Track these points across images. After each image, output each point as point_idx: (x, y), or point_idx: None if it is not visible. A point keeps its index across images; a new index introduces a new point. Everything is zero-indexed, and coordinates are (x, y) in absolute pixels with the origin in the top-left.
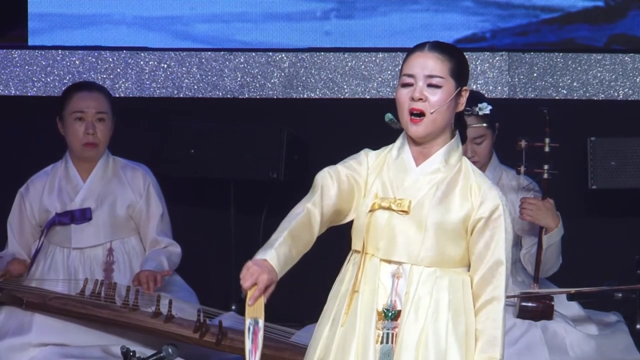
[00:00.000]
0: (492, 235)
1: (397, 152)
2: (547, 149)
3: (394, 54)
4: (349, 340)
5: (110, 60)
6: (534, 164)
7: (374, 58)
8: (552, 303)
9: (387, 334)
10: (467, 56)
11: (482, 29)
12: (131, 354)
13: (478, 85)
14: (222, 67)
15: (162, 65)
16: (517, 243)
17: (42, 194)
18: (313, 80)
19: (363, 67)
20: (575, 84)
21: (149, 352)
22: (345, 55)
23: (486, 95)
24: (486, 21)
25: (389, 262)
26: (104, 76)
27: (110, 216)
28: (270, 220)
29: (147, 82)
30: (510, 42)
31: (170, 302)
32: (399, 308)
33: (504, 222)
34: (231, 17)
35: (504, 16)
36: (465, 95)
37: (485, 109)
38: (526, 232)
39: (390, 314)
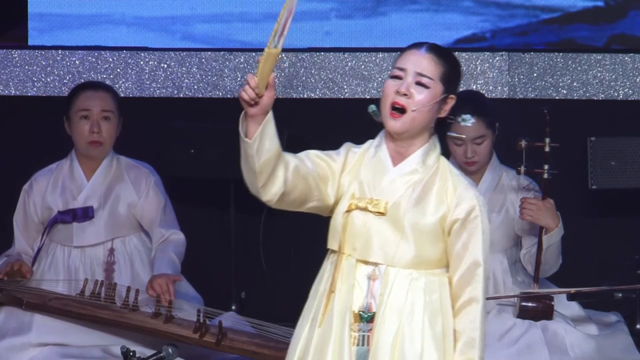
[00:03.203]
0: (470, 236)
1: (374, 151)
2: (547, 149)
3: (394, 54)
4: (326, 341)
5: (110, 60)
6: (534, 164)
7: (374, 58)
8: (552, 303)
9: (363, 336)
10: (467, 56)
11: (482, 29)
12: (131, 354)
13: (478, 85)
14: (222, 67)
15: (162, 65)
16: (517, 243)
17: (45, 191)
18: (313, 80)
19: (363, 67)
20: (575, 84)
21: (149, 352)
22: (345, 55)
23: (486, 95)
24: (486, 21)
25: (366, 262)
26: (104, 76)
27: (112, 215)
28: (270, 220)
29: (147, 82)
30: (510, 42)
31: (170, 302)
32: (374, 310)
33: (481, 223)
34: (231, 17)
35: (504, 16)
36: (450, 103)
37: (468, 121)
38: (526, 232)
39: (365, 316)
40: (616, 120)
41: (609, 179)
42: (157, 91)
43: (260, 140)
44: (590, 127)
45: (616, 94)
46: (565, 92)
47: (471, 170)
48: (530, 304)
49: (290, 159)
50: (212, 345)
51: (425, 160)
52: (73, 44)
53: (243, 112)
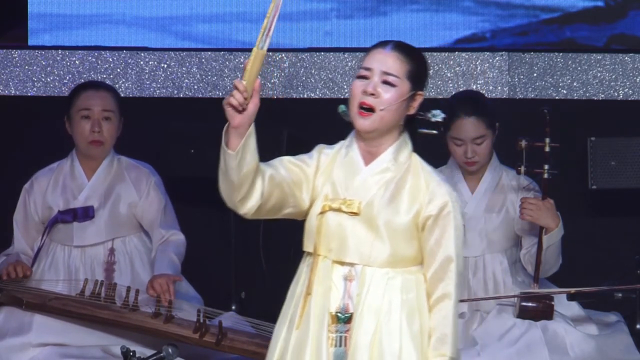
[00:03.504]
0: (442, 232)
1: (346, 151)
2: (547, 149)
3: None
4: (303, 344)
5: (110, 60)
6: (534, 164)
7: None
8: (552, 303)
9: (340, 337)
10: (467, 56)
11: (482, 29)
12: (131, 354)
13: (478, 85)
14: (222, 67)
15: (162, 65)
16: (517, 243)
17: (45, 190)
18: (313, 80)
19: None
20: (575, 84)
21: (149, 352)
22: (345, 55)
23: (486, 95)
24: (486, 21)
25: (342, 263)
26: (104, 76)
27: (112, 215)
28: (270, 220)
29: (147, 82)
30: (510, 42)
31: (170, 302)
32: (351, 311)
33: (454, 218)
34: (231, 17)
35: (504, 16)
36: (419, 100)
37: (438, 116)
38: (526, 232)
39: (343, 317)
40: (616, 120)
41: (609, 179)
42: (157, 91)
43: (243, 152)
44: (590, 127)
45: (616, 94)
46: (565, 92)
47: (471, 170)
48: (530, 304)
49: (265, 169)
50: (212, 345)
51: (396, 158)
52: (73, 44)
53: (227, 124)
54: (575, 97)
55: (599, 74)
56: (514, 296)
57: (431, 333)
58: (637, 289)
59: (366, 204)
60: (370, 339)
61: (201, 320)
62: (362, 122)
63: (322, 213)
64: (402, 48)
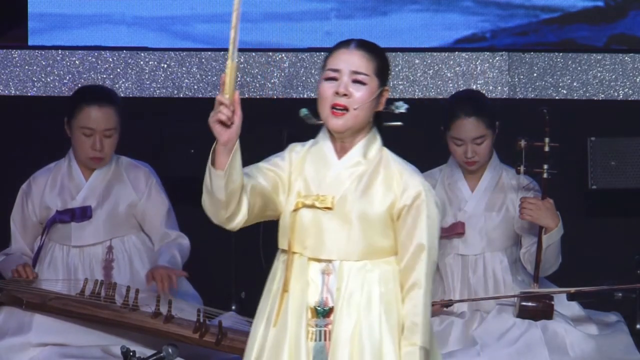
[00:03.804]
0: (414, 221)
1: (317, 148)
2: (546, 148)
3: (393, 54)
4: (281, 341)
5: (110, 60)
6: (533, 164)
7: None
8: (552, 303)
9: (320, 331)
10: (467, 56)
11: (482, 29)
12: (131, 354)
13: (478, 85)
14: (222, 67)
15: (162, 65)
16: (517, 242)
17: (43, 190)
18: (313, 80)
19: None
20: (575, 84)
21: (149, 352)
22: None
23: (486, 95)
24: (486, 21)
25: (319, 260)
26: (104, 76)
27: (110, 215)
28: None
29: (147, 82)
30: (510, 42)
31: (170, 302)
32: (330, 305)
33: (427, 208)
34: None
35: (504, 16)
36: (386, 96)
37: (402, 107)
38: (526, 230)
39: (322, 311)
40: (616, 120)
41: (609, 179)
42: (157, 91)
43: (230, 170)
44: (590, 127)
45: (616, 94)
46: (565, 92)
47: (471, 169)
48: (530, 304)
49: (246, 181)
50: (212, 345)
51: (367, 152)
52: (73, 44)
53: (214, 144)
54: (575, 97)
55: (599, 74)
56: (513, 296)
57: (403, 323)
58: (637, 288)
59: (339, 198)
60: (350, 332)
61: (201, 320)
62: (336, 122)
63: (295, 210)
64: (365, 46)
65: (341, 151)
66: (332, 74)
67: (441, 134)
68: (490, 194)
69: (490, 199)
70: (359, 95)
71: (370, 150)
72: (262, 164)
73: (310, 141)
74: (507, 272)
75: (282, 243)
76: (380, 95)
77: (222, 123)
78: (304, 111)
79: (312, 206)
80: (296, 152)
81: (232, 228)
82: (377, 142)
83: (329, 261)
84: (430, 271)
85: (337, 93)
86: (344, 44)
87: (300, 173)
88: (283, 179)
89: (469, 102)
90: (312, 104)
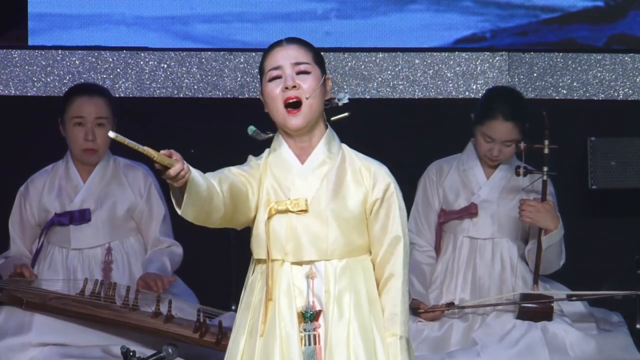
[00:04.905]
0: (387, 214)
1: (276, 155)
2: (546, 151)
3: (394, 54)
4: (271, 348)
5: (110, 60)
6: (533, 165)
7: (374, 58)
8: (552, 305)
9: (309, 335)
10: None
11: (482, 29)
12: (131, 354)
13: (478, 85)
14: (222, 67)
15: (162, 65)
16: (526, 237)
17: (41, 193)
18: None
19: (363, 67)
20: (575, 84)
21: (149, 352)
22: (345, 55)
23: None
24: (486, 21)
25: (301, 263)
26: (104, 76)
27: (109, 217)
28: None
29: (147, 82)
30: (510, 42)
31: (170, 302)
32: (317, 308)
33: (397, 199)
34: (231, 17)
35: (504, 16)
36: (329, 84)
37: (343, 98)
38: (532, 227)
39: (309, 315)
40: (616, 120)
41: (609, 179)
42: (157, 91)
43: (191, 198)
44: (590, 127)
45: (616, 94)
46: (565, 92)
47: (492, 164)
48: (529, 305)
49: (218, 186)
50: (212, 345)
51: (329, 150)
52: (73, 44)
53: (170, 190)
54: (575, 97)
55: (599, 74)
56: (514, 303)
57: (383, 314)
58: (637, 294)
59: (313, 199)
60: (345, 333)
61: (201, 320)
62: (295, 121)
63: (269, 217)
64: (296, 40)
65: (301, 154)
66: (275, 73)
67: (471, 122)
68: (505, 182)
69: (505, 187)
70: (307, 84)
71: (332, 148)
72: (235, 169)
73: (266, 151)
74: (514, 259)
75: (258, 253)
76: (325, 83)
77: (177, 174)
78: (252, 128)
79: (286, 211)
80: (256, 164)
81: (234, 227)
82: (336, 139)
83: (312, 262)
84: (406, 261)
85: (286, 88)
86: (276, 43)
87: (262, 184)
88: (252, 184)
89: (511, 105)
90: None
